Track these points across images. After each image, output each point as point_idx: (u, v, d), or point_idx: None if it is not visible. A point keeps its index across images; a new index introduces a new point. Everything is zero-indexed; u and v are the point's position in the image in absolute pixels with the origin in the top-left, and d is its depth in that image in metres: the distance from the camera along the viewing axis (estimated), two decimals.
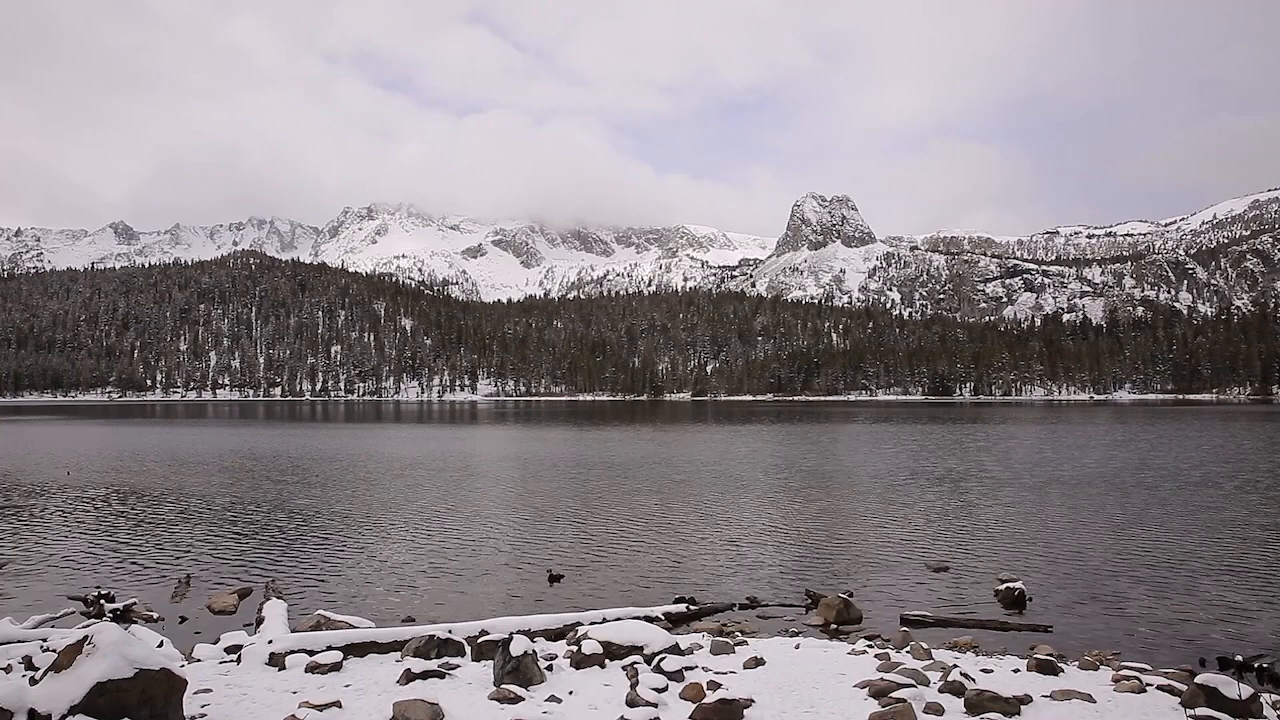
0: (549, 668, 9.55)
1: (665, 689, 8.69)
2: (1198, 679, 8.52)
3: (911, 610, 13.51)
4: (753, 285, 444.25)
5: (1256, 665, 10.62)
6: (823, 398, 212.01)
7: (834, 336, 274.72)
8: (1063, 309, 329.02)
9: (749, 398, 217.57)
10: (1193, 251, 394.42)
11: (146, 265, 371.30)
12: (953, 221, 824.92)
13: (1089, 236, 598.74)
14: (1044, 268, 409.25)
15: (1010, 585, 14.37)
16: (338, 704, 8.16)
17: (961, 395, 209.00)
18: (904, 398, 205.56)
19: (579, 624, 11.69)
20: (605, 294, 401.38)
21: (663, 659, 9.53)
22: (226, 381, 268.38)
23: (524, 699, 8.51)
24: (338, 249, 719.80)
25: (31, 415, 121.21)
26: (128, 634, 7.44)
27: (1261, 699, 8.26)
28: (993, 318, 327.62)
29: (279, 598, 13.68)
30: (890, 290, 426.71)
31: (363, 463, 40.95)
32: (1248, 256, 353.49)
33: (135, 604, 13.79)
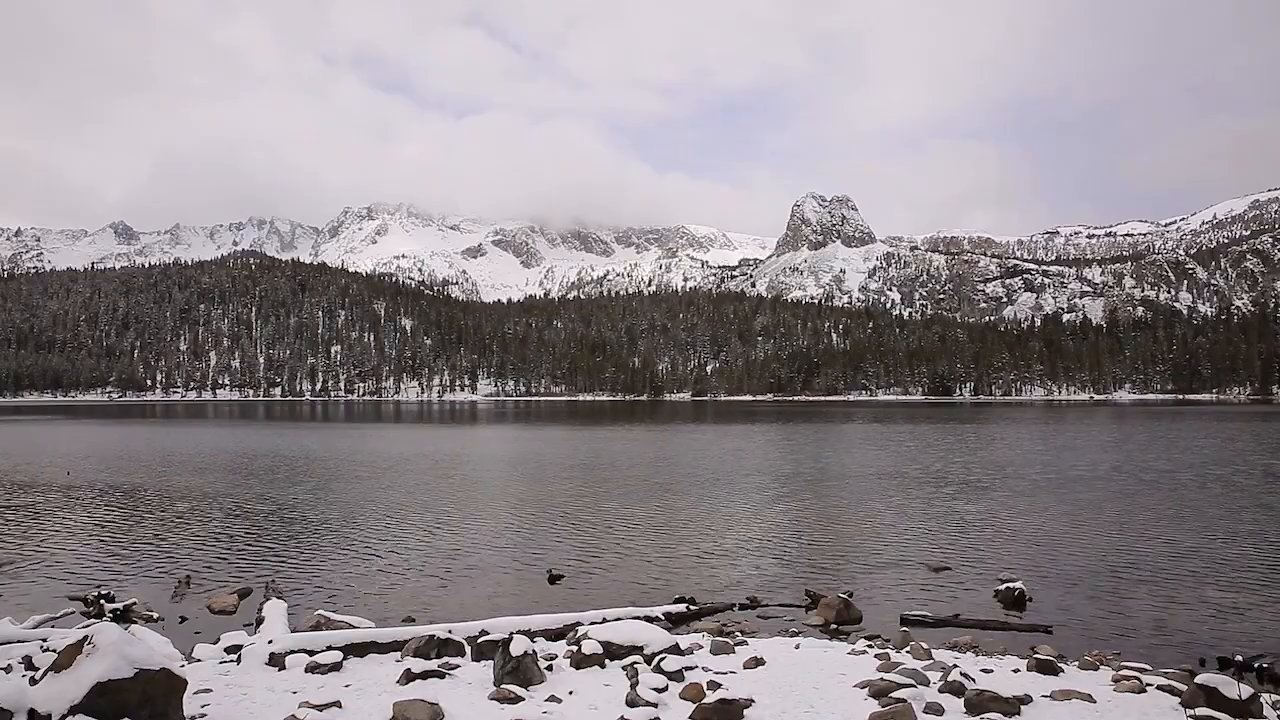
0: (549, 668, 9.55)
1: (665, 689, 8.69)
2: (1198, 679, 8.52)
3: (911, 610, 13.51)
4: (753, 285, 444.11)
5: (1256, 665, 10.62)
6: (823, 398, 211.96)
7: (834, 336, 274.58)
8: (1063, 309, 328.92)
9: (749, 398, 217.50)
10: (1193, 251, 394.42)
11: (146, 265, 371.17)
12: (953, 221, 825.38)
13: (1089, 236, 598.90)
14: (1044, 268, 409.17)
15: (1010, 585, 14.37)
16: (338, 704, 8.16)
17: (961, 395, 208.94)
18: (904, 398, 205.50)
19: (579, 624, 11.69)
20: (605, 294, 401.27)
21: (663, 659, 9.53)
22: (226, 381, 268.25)
23: (524, 699, 8.51)
24: (338, 249, 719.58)
25: (31, 415, 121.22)
26: (128, 634, 7.44)
27: (1261, 699, 8.26)
28: (993, 318, 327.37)
29: (279, 598, 13.67)
30: (890, 290, 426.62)
31: (362, 463, 40.95)
32: (1248, 256, 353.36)
33: (135, 604, 13.79)
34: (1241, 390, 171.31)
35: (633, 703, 8.32)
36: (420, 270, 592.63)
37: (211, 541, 20.05)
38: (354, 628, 11.74)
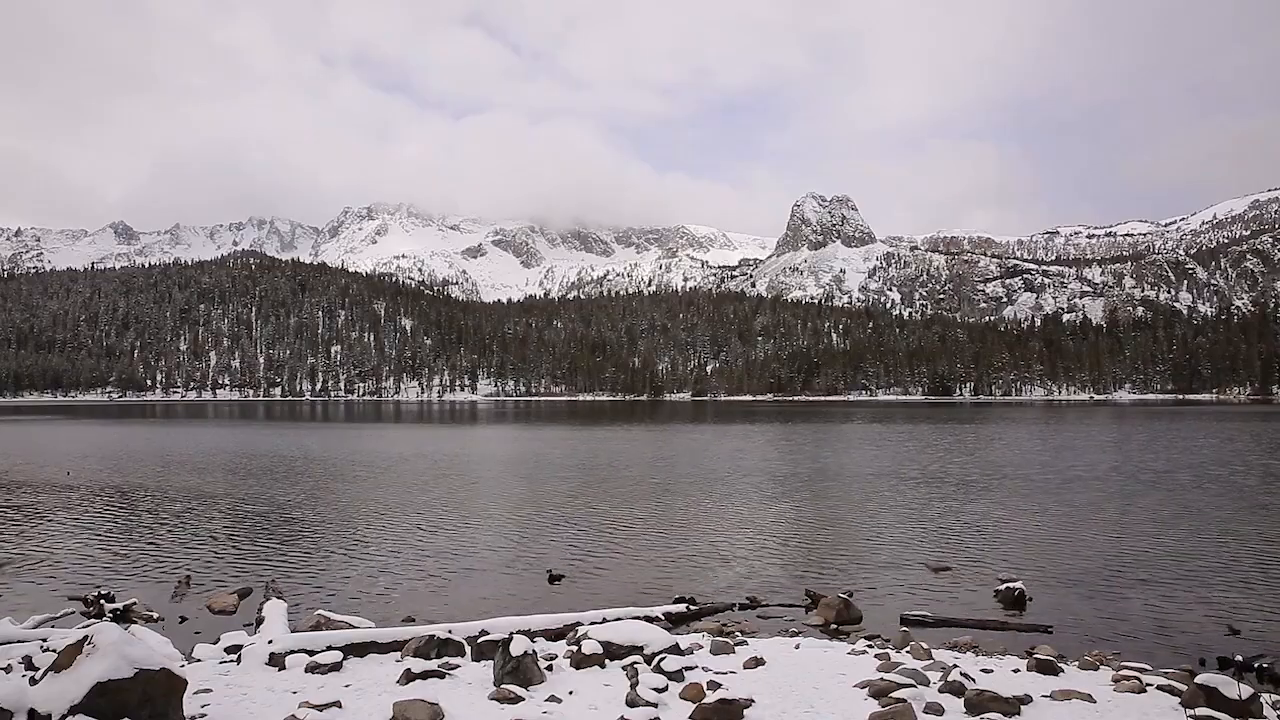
0: (549, 668, 9.55)
1: (665, 689, 8.68)
2: (1198, 679, 8.52)
3: (911, 610, 13.50)
4: (753, 285, 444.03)
5: (1256, 665, 10.62)
6: (823, 398, 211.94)
7: (834, 336, 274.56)
8: (1063, 309, 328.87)
9: (749, 398, 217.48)
10: (1193, 251, 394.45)
11: (146, 265, 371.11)
12: (953, 221, 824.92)
13: (1089, 236, 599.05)
14: (1044, 268, 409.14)
15: (1010, 585, 14.37)
16: (338, 704, 8.16)
17: (961, 395, 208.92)
18: (904, 398, 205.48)
19: (579, 624, 11.69)
20: (605, 294, 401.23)
21: (663, 659, 9.53)
22: (226, 381, 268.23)
23: (524, 699, 8.51)
24: (338, 249, 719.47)
25: (31, 415, 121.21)
26: (128, 634, 7.44)
27: (1261, 699, 8.26)
28: (993, 318, 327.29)
29: (279, 598, 13.67)
30: (890, 290, 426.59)
31: (362, 463, 40.95)
32: (1248, 256, 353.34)
33: (135, 604, 13.78)
34: (1241, 390, 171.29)
35: (633, 703, 8.32)
36: (420, 270, 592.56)
37: (211, 541, 20.05)
38: (354, 628, 11.74)
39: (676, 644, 10.25)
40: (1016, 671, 9.87)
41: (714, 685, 8.79)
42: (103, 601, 13.68)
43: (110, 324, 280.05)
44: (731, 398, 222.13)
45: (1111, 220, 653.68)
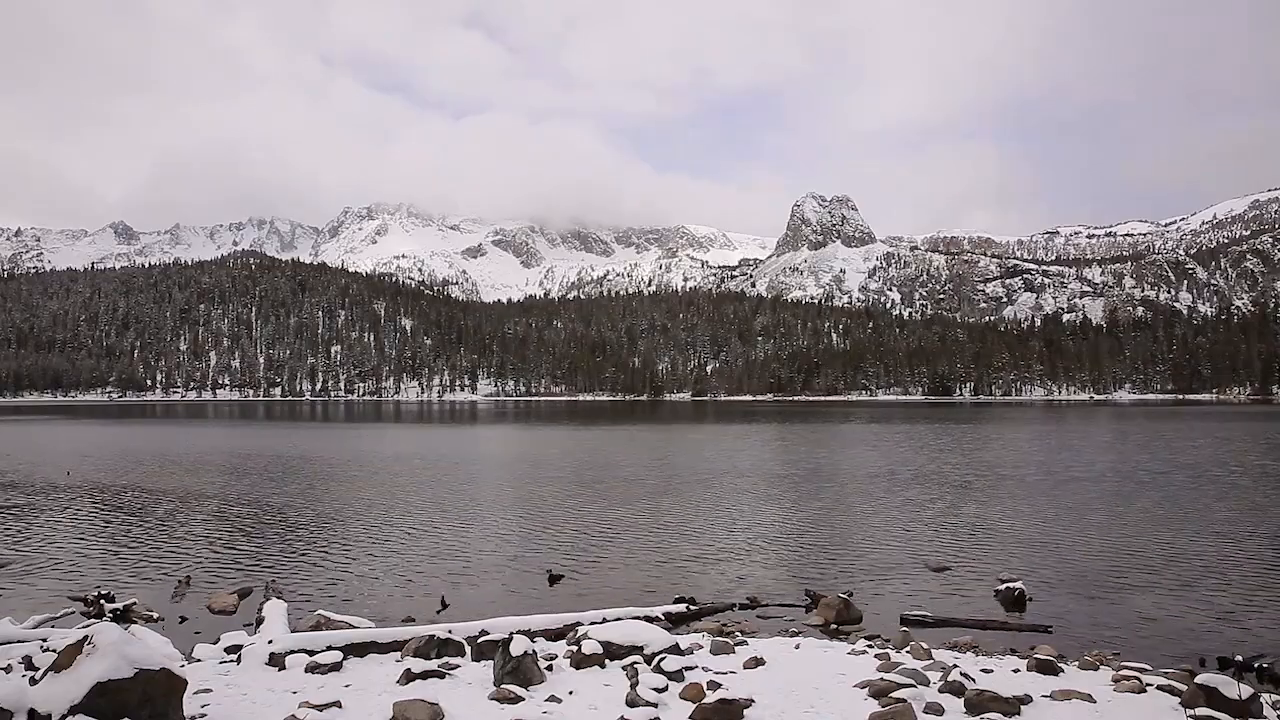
0: (549, 668, 9.55)
1: (665, 689, 8.69)
2: (1198, 679, 8.52)
3: (911, 610, 13.50)
4: (753, 285, 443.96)
5: (1256, 665, 10.62)
6: (823, 398, 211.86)
7: (834, 336, 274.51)
8: (1063, 309, 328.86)
9: (749, 398, 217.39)
10: (1193, 251, 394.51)
11: (146, 265, 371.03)
12: (953, 221, 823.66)
13: (1089, 236, 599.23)
14: (1044, 268, 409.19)
15: (1010, 585, 14.37)
16: (338, 704, 8.15)
17: (961, 395, 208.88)
18: (904, 398, 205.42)
19: (579, 624, 11.69)
20: (605, 294, 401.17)
21: (663, 659, 9.53)
22: (226, 381, 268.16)
23: (524, 699, 8.51)
24: (338, 249, 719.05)
25: (31, 415, 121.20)
26: (128, 634, 7.44)
27: (1261, 699, 8.26)
28: (993, 318, 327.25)
29: (279, 598, 13.67)
30: (890, 290, 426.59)
31: (362, 463, 40.95)
32: (1248, 256, 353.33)
33: (135, 604, 13.78)
34: (1241, 390, 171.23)
35: (633, 703, 8.32)
36: (420, 270, 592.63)
37: (211, 541, 20.04)
38: (354, 628, 11.74)
39: (676, 644, 10.25)
40: (1016, 671, 9.87)
41: (714, 685, 8.79)
42: (103, 601, 13.67)
43: (110, 324, 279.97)
44: (731, 398, 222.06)
45: (1111, 220, 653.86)
